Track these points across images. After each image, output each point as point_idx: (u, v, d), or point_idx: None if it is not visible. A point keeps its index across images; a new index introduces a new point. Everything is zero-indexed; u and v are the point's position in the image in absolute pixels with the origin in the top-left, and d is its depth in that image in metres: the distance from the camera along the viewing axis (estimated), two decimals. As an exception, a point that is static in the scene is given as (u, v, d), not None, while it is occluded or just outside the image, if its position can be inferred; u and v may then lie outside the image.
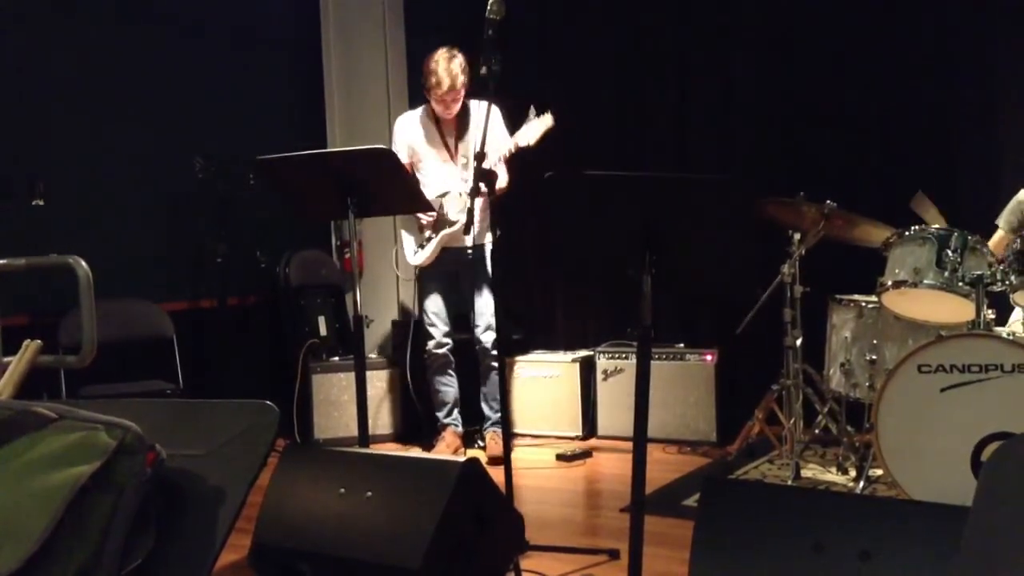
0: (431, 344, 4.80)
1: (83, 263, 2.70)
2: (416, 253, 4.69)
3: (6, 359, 2.14)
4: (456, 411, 4.91)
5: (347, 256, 5.86)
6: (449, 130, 4.63)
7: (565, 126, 4.52)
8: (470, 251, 4.58)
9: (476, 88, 4.55)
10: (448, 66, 4.41)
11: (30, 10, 4.61)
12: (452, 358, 4.85)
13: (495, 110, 4.37)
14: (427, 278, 4.78)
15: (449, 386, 4.88)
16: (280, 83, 5.89)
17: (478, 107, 4.55)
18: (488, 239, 4.48)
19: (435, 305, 4.78)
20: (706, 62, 5.38)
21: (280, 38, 5.89)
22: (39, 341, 2.09)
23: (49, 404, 1.56)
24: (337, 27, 6.01)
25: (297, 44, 6.00)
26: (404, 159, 4.61)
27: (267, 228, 5.50)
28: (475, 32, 3.26)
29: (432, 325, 4.78)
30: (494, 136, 4.36)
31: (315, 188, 3.25)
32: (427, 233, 4.64)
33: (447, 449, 4.75)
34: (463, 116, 4.61)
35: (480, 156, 3.35)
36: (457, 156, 4.62)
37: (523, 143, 4.26)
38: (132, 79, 4.97)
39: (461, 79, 4.43)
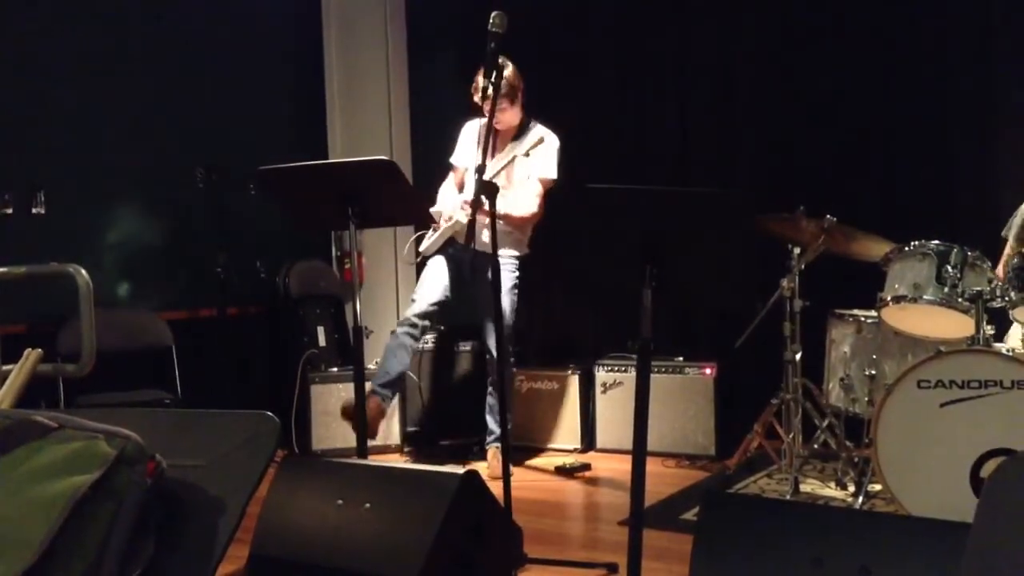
0: (407, 313, 4.66)
1: (83, 272, 2.70)
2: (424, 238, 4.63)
3: (5, 367, 2.13)
4: (392, 386, 4.60)
5: (347, 267, 5.86)
6: (500, 140, 4.53)
7: (567, 139, 4.52)
8: (473, 254, 4.48)
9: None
10: (477, 76, 4.38)
11: (30, 18, 4.63)
12: (416, 340, 4.65)
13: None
14: (429, 260, 4.69)
15: (397, 359, 4.57)
16: (281, 94, 5.90)
17: (538, 129, 4.50)
18: (503, 253, 4.45)
19: (427, 284, 4.65)
20: (706, 76, 5.41)
21: (281, 49, 5.91)
22: (39, 350, 2.09)
23: (49, 413, 1.55)
24: (338, 38, 6.02)
25: (298, 55, 6.01)
26: (459, 162, 4.67)
27: (267, 238, 5.50)
28: (477, 44, 3.27)
29: (413, 301, 4.67)
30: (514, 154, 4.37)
31: (316, 199, 3.25)
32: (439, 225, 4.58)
33: (368, 414, 4.33)
34: (521, 131, 4.53)
35: (480, 169, 3.34)
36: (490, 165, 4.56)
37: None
38: (133, 88, 4.98)
39: (485, 88, 4.35)
